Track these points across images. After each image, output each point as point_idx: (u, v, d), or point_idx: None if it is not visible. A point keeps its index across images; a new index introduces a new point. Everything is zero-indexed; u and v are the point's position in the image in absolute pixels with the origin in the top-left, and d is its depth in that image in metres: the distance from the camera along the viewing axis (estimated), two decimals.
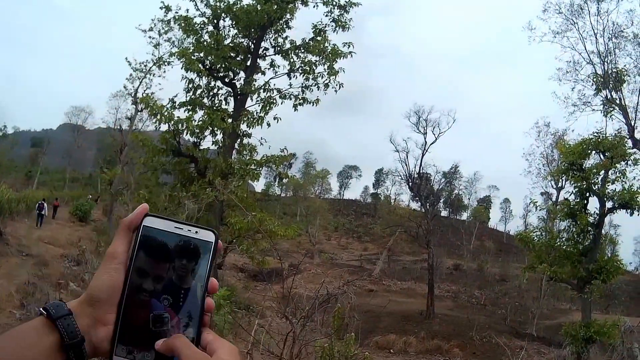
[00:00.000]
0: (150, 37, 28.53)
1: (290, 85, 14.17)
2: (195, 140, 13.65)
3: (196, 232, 0.68)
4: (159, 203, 12.92)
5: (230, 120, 13.36)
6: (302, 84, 14.03)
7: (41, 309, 0.63)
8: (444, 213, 74.02)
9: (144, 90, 30.45)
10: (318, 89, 14.00)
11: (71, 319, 0.61)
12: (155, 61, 29.88)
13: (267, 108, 13.74)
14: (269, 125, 13.69)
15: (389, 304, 22.11)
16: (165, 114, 12.93)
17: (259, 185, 55.53)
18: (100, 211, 38.44)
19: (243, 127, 13.95)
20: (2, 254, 14.38)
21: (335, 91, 13.90)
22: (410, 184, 31.13)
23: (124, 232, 0.68)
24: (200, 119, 13.31)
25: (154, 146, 13.67)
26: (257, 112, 13.82)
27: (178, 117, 13.16)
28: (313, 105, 13.86)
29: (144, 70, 30.95)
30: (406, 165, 30.45)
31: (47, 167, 65.44)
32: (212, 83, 14.51)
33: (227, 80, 14.31)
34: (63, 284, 12.56)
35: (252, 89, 13.78)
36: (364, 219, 72.24)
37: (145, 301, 0.65)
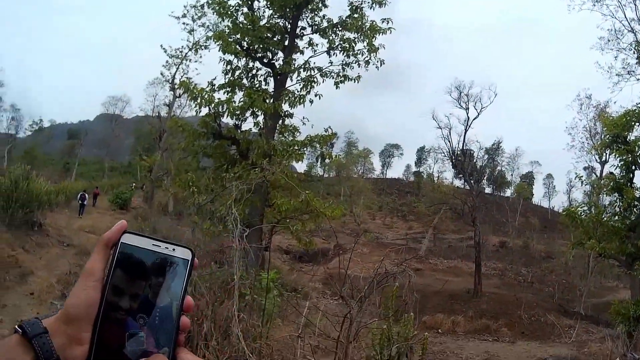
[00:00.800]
0: (184, 23, 30.67)
1: (331, 63, 14.35)
2: (236, 122, 13.95)
3: (173, 249, 0.72)
4: (201, 186, 12.97)
5: (271, 101, 13.59)
6: (343, 61, 14.30)
7: (16, 326, 0.65)
8: (487, 190, 75.99)
9: (181, 76, 32.20)
10: (359, 66, 14.25)
11: (47, 338, 0.64)
12: (190, 47, 31.54)
13: (309, 87, 13.98)
14: (311, 102, 13.86)
15: (436, 283, 22.89)
16: (205, 96, 13.10)
17: (300, 167, 56.69)
18: (140, 198, 39.31)
19: (285, 107, 14.10)
20: (42, 245, 14.28)
21: (377, 68, 14.19)
22: (454, 160, 32.16)
23: (101, 248, 0.70)
24: (241, 100, 13.52)
25: (194, 130, 13.76)
26: (298, 91, 14.09)
27: (218, 98, 13.35)
28: (355, 82, 14.16)
29: (179, 56, 32.54)
30: (449, 141, 31.37)
31: (84, 159, 68.21)
32: (251, 64, 14.76)
33: (265, 60, 14.55)
34: None
35: (292, 68, 14.00)
36: (408, 197, 73.81)
37: (121, 320, 0.68)
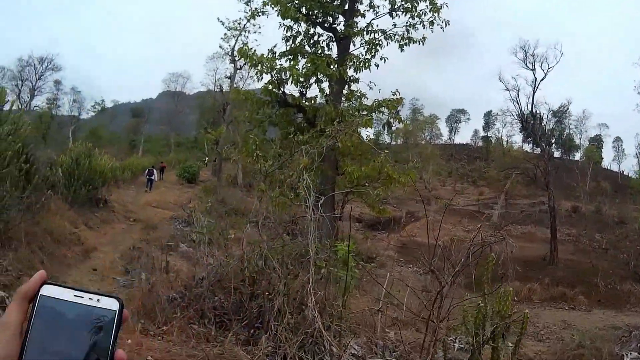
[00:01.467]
0: None
1: (394, 25, 14.31)
2: (301, 90, 14.14)
3: (98, 300, 0.71)
4: (267, 155, 13.20)
5: (335, 66, 13.68)
6: (407, 22, 14.22)
7: None
8: (555, 154, 74.65)
9: (238, 55, 31.93)
10: (423, 27, 14.18)
11: None
12: (248, 18, 32.01)
13: (373, 51, 14.05)
14: (377, 66, 13.90)
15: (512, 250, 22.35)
16: (267, 63, 13.17)
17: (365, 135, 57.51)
18: (209, 171, 40.49)
19: (350, 72, 14.23)
20: (107, 222, 14.83)
21: (442, 29, 14.13)
22: (524, 123, 32.82)
23: (18, 301, 0.71)
24: (304, 66, 13.62)
25: (258, 99, 14.08)
26: (362, 55, 14.13)
27: (280, 64, 13.46)
28: (420, 44, 14.07)
29: (237, 28, 33.39)
30: (518, 104, 32.00)
31: (150, 136, 71.59)
32: (312, 30, 14.92)
33: (326, 25, 14.65)
34: (172, 246, 12.38)
35: (355, 31, 14.15)
36: (477, 163, 74.83)
37: None
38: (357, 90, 14.69)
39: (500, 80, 32.57)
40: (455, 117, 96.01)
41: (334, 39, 14.67)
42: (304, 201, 6.72)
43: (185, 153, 57.61)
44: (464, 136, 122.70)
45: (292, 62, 13.79)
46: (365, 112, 14.21)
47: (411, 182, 14.16)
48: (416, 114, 75.72)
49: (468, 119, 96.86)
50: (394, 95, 14.01)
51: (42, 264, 7.91)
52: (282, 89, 13.75)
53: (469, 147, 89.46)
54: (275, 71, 13.27)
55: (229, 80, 36.63)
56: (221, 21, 33.30)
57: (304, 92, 14.18)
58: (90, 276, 8.91)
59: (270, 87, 13.70)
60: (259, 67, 13.12)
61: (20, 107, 50.31)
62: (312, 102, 14.22)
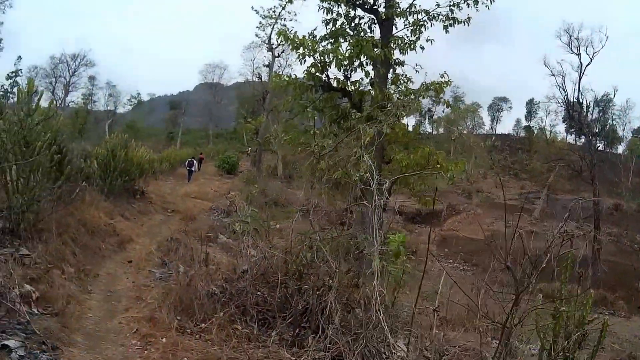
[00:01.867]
0: None
1: (438, 5, 13.72)
2: (345, 73, 13.60)
3: None
4: (312, 142, 12.91)
5: (380, 48, 13.06)
6: (451, 1, 13.61)
7: None
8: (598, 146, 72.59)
9: (277, 37, 32.25)
10: (468, 6, 13.59)
11: None
12: (283, 5, 32.34)
13: (417, 32, 13.59)
14: (422, 48, 13.48)
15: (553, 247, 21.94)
16: (309, 45, 12.75)
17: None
18: (248, 162, 40.48)
19: (395, 54, 13.68)
20: (144, 213, 14.67)
21: (487, 7, 13.50)
22: (570, 111, 32.83)
23: None
24: (348, 48, 13.14)
25: (300, 83, 13.54)
26: (408, 37, 13.71)
27: (324, 47, 13.07)
28: (464, 24, 13.55)
29: (273, 16, 33.60)
30: (564, 90, 31.59)
31: (188, 128, 72.57)
32: (352, 12, 14.47)
33: (367, 7, 14.17)
34: (212, 237, 12.05)
35: (398, 12, 13.68)
36: (519, 154, 73.63)
37: None
38: (403, 74, 14.20)
39: (546, 65, 32.50)
40: (497, 106, 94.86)
41: (375, 21, 14.19)
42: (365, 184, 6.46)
43: (224, 144, 58.02)
44: (505, 126, 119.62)
45: (333, 45, 13.27)
46: (412, 97, 13.53)
47: (462, 171, 13.80)
48: (457, 101, 74.82)
49: (510, 107, 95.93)
50: (442, 77, 13.36)
51: (74, 256, 7.64)
52: (326, 73, 13.26)
53: (511, 137, 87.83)
54: (318, 54, 12.84)
55: (267, 68, 36.80)
56: (255, 10, 33.72)
57: (349, 76, 13.63)
58: (126, 268, 8.63)
59: (313, 70, 13.19)
60: (301, 50, 12.70)
61: (55, 102, 52.20)
62: (357, 86, 13.64)
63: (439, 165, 12.41)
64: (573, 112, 32.06)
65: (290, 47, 13.70)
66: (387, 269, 6.06)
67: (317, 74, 13.16)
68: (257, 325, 5.96)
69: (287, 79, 14.20)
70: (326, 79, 13.39)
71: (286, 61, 38.32)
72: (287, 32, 13.24)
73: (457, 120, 58.99)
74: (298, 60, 12.99)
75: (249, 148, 40.76)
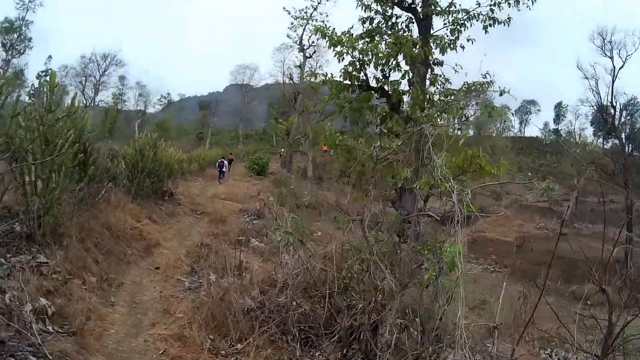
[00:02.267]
0: None
1: (478, 4, 13.32)
2: (384, 72, 13.10)
3: None
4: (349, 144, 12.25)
5: (419, 47, 12.57)
6: (492, 1, 13.21)
7: None
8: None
9: (309, 37, 34.32)
10: (509, 6, 13.19)
11: None
12: (315, 6, 32.94)
13: (456, 32, 13.18)
14: (462, 48, 13.02)
15: (584, 250, 21.52)
16: (348, 43, 12.32)
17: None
18: (277, 164, 39.95)
19: (435, 53, 13.28)
20: (173, 215, 14.13)
21: (529, 7, 13.22)
22: (603, 115, 32.68)
23: None
24: (387, 46, 12.62)
25: (337, 82, 13.05)
26: (447, 36, 13.31)
27: (362, 44, 12.62)
28: (504, 25, 13.15)
29: (304, 17, 33.86)
30: (597, 93, 31.59)
31: (217, 129, 72.65)
32: (389, 11, 14.16)
33: (405, 5, 13.86)
34: (243, 241, 11.38)
35: (437, 10, 13.34)
36: (547, 157, 73.24)
37: None
38: (441, 75, 13.62)
39: (579, 68, 32.60)
40: (525, 109, 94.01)
41: (413, 20, 13.72)
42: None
43: (254, 145, 57.76)
44: (534, 129, 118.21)
45: (370, 44, 12.73)
46: (452, 97, 13.21)
47: (504, 173, 13.13)
48: (487, 105, 73.26)
49: (539, 110, 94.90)
50: (484, 77, 12.75)
51: (97, 264, 7.03)
52: (364, 72, 12.68)
53: (539, 140, 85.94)
54: (357, 51, 12.34)
55: (299, 69, 36.71)
56: (287, 10, 33.87)
57: (387, 75, 13.01)
58: (152, 276, 8.00)
59: (350, 69, 12.64)
60: (339, 48, 12.17)
61: (78, 98, 52.42)
62: (397, 85, 12.93)
63: (481, 168, 11.87)
64: (606, 115, 31.89)
65: (328, 44, 13.04)
66: (442, 282, 5.31)
67: (355, 72, 12.66)
68: (300, 346, 5.28)
69: (323, 77, 13.55)
70: (364, 77, 12.79)
71: (317, 62, 38.07)
72: (325, 28, 12.62)
73: (486, 122, 58.19)
74: (336, 58, 12.38)
75: (282, 150, 40.30)
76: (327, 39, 12.38)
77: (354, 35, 13.06)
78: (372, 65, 12.45)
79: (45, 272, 5.92)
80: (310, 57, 35.63)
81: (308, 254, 6.17)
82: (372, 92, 13.09)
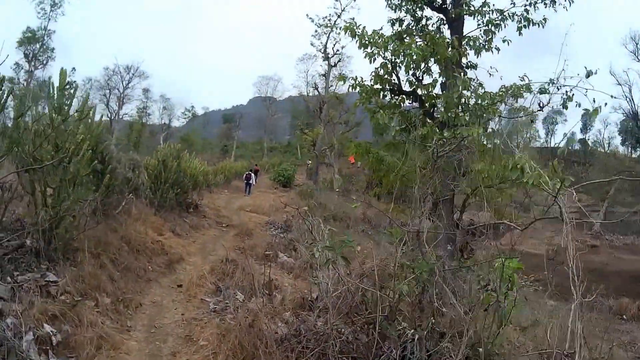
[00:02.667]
0: None
1: (513, 4, 12.52)
2: (416, 75, 12.18)
3: None
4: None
5: (452, 49, 11.61)
6: (528, 1, 12.46)
7: None
8: None
9: (333, 45, 34.12)
10: (545, 6, 12.38)
11: None
12: (338, 14, 32.83)
13: (490, 34, 12.46)
14: (498, 50, 12.34)
15: (614, 262, 23.63)
16: (380, 43, 11.40)
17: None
18: (303, 175, 39.28)
19: (467, 56, 12.41)
20: (197, 228, 13.50)
21: (566, 8, 12.32)
22: (638, 122, 31.90)
23: None
24: (421, 47, 11.60)
25: (367, 87, 12.07)
26: (481, 37, 12.58)
27: (394, 45, 11.57)
28: (539, 26, 12.40)
29: (328, 24, 33.80)
30: (631, 101, 31.41)
31: (242, 142, 72.58)
32: (419, 13, 13.59)
33: (436, 5, 13.13)
34: (271, 256, 10.65)
35: (470, 10, 12.55)
36: (574, 167, 68.70)
37: None
38: (474, 79, 12.44)
39: (611, 74, 32.27)
40: (552, 119, 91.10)
41: (444, 21, 12.99)
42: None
43: (279, 156, 57.34)
44: (560, 138, 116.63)
45: (402, 45, 11.73)
46: (485, 102, 11.85)
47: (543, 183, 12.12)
48: (512, 113, 72.69)
49: (565, 120, 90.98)
50: (522, 80, 11.61)
51: (113, 282, 6.35)
52: (396, 74, 11.78)
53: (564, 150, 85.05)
54: (389, 52, 11.44)
55: (324, 78, 36.11)
56: (310, 18, 33.70)
57: (420, 78, 12.04)
58: (174, 295, 7.30)
59: (382, 72, 11.71)
60: (369, 49, 11.35)
61: (109, 115, 53.41)
62: (430, 88, 11.94)
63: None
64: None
65: (358, 44, 12.35)
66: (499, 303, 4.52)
67: (386, 75, 11.77)
68: None
69: (352, 81, 12.83)
70: (396, 80, 12.04)
71: (340, 71, 37.57)
72: (354, 26, 11.91)
73: (513, 131, 57.02)
74: (367, 59, 11.63)
75: (309, 161, 39.67)
76: (356, 38, 11.70)
77: (384, 36, 12.50)
78: (403, 67, 11.89)
79: (53, 293, 5.27)
80: (335, 65, 35.14)
81: (346, 272, 5.41)
82: (405, 96, 12.38)
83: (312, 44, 36.41)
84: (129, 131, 47.98)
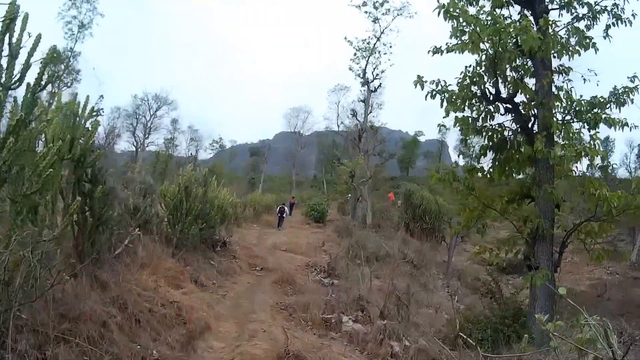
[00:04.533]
0: (366, 12, 31.01)
1: None
2: (519, 71, 9.94)
3: None
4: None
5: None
6: None
7: None
8: None
9: (373, 69, 32.06)
10: None
11: None
12: (377, 37, 31.41)
13: (580, 32, 9.81)
14: (596, 49, 9.69)
15: None
16: (478, 25, 8.77)
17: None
18: (334, 210, 36.14)
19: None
20: (227, 273, 10.35)
21: None
22: None
23: None
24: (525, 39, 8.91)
25: (461, 91, 9.48)
26: (570, 31, 9.96)
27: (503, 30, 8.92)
28: (626, 25, 9.99)
29: (367, 48, 32.03)
30: None
31: (268, 175, 70.05)
32: (498, 11, 10.84)
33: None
34: (332, 321, 7.43)
35: (563, 3, 10.18)
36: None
37: None
38: (570, 88, 9.92)
39: None
40: None
41: (532, 13, 10.39)
42: None
43: (308, 191, 54.41)
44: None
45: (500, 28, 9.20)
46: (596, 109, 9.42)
47: None
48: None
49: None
50: (632, 81, 9.24)
51: None
52: (498, 72, 8.95)
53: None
54: (487, 43, 8.83)
55: (363, 104, 33.38)
56: (349, 41, 32.04)
57: (519, 78, 9.45)
58: None
59: (481, 69, 9.11)
60: (466, 37, 8.67)
61: (135, 144, 51.27)
62: (530, 92, 9.32)
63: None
64: None
65: (454, 30, 9.24)
66: None
67: (484, 73, 9.19)
68: None
69: (432, 87, 9.72)
70: (497, 80, 9.01)
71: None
72: (456, 4, 8.87)
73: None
74: (469, 50, 8.54)
75: (348, 195, 36.55)
76: (460, 17, 8.68)
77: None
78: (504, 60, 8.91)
79: None
80: (375, 90, 32.61)
81: None
82: (500, 103, 9.32)
83: (350, 69, 32.80)
84: (155, 160, 45.47)
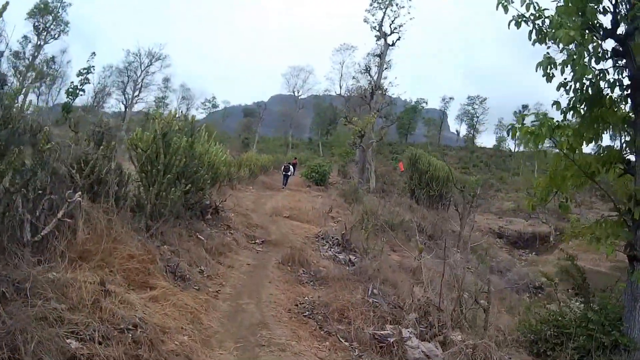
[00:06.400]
0: None
1: None
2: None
3: None
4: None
5: None
6: None
7: None
8: None
9: (391, 22, 30.03)
10: None
11: None
12: None
13: None
14: None
15: None
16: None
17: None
18: (334, 172, 33.59)
19: None
20: (220, 251, 7.62)
21: None
22: None
23: None
24: None
25: (554, 17, 6.80)
26: None
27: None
28: None
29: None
30: None
31: (262, 136, 67.13)
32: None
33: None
34: (393, 345, 4.80)
35: None
36: None
37: None
38: None
39: None
40: None
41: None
42: None
43: (305, 152, 51.72)
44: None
45: None
46: None
47: None
48: None
49: None
50: None
51: None
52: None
53: None
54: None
55: (379, 58, 30.86)
56: None
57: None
58: None
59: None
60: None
61: (124, 101, 47.74)
62: None
63: None
64: None
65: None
66: None
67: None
68: None
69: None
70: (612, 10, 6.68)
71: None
72: None
73: None
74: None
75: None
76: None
77: None
78: None
79: None
80: (394, 44, 30.10)
81: None
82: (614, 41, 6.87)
83: (365, 21, 30.64)
84: (144, 120, 42.40)
